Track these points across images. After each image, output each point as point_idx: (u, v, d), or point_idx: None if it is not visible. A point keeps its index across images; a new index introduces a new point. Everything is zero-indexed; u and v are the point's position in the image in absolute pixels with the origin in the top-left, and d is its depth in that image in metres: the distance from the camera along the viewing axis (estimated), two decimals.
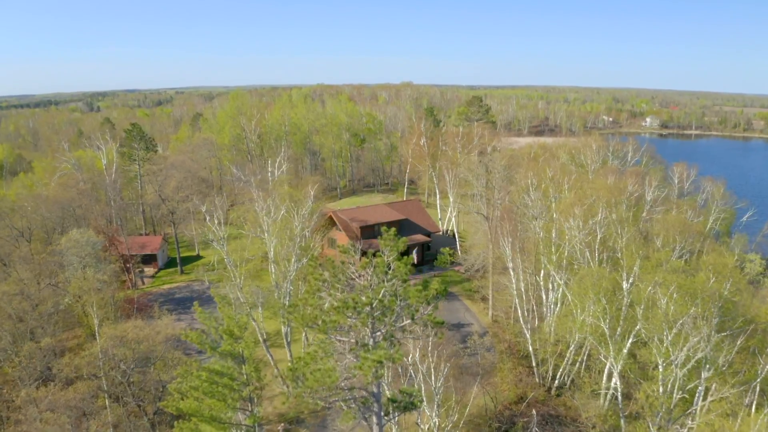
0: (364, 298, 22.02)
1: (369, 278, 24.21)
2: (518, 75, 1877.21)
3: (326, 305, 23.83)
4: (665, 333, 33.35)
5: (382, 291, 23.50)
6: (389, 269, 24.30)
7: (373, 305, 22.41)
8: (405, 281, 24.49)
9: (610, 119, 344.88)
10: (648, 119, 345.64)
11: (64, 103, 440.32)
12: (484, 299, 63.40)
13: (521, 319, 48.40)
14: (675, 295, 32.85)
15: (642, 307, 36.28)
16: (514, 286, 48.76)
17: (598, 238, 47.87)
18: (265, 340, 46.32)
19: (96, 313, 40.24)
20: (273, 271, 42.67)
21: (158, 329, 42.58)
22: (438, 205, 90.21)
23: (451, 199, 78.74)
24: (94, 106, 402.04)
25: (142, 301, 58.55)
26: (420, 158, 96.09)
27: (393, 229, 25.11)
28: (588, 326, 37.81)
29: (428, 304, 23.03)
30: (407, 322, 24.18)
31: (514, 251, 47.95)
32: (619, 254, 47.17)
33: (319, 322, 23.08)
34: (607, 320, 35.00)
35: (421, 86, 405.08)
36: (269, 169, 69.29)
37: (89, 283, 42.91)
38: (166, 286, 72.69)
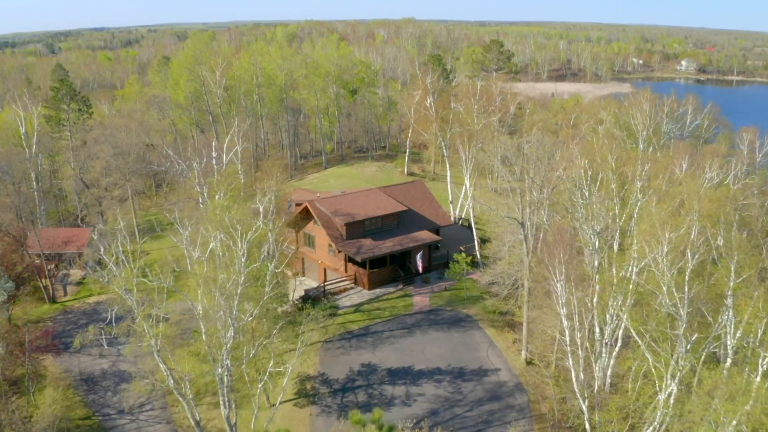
0: None
1: None
2: (534, 9, 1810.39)
3: None
4: None
5: None
6: None
7: None
8: None
9: (640, 62, 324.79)
10: (683, 62, 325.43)
11: (23, 45, 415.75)
12: (512, 325, 50.72)
13: (575, 384, 35.56)
14: None
15: None
16: (568, 339, 35.65)
17: (689, 269, 34.53)
18: (198, 423, 33.61)
19: None
20: (204, 338, 29.50)
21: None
22: (449, 183, 76.00)
23: (467, 184, 64.73)
24: (56, 48, 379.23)
25: (46, 336, 45.62)
26: (425, 123, 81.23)
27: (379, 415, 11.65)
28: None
29: None
30: None
31: (570, 289, 34.66)
32: (728, 298, 34.11)
33: None
34: None
35: (425, 23, 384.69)
36: (213, 153, 53.97)
37: None
38: (93, 299, 59.57)
